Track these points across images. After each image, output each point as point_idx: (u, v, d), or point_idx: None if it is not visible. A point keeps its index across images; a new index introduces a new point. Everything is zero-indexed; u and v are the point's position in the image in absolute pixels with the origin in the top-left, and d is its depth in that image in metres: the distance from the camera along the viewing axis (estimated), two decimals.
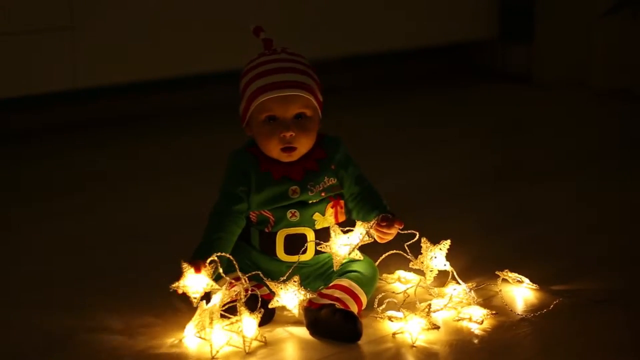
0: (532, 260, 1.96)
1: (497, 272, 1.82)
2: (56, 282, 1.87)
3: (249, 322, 1.59)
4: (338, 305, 1.65)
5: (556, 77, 3.65)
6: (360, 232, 1.70)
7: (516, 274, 1.82)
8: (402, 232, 1.72)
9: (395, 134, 3.07)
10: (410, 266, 1.78)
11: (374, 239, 1.72)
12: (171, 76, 3.13)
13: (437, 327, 1.64)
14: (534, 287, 1.81)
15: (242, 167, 1.75)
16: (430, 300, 1.73)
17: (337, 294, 1.68)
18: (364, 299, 1.71)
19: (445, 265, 1.75)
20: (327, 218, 1.76)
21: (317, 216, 1.76)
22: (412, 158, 2.78)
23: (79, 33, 2.85)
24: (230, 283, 1.64)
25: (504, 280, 1.82)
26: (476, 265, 1.90)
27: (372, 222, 1.70)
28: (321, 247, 1.72)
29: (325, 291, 1.69)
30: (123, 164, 2.72)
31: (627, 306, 1.77)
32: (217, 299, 1.61)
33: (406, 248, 1.75)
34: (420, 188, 2.48)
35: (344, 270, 1.74)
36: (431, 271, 1.75)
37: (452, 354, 1.59)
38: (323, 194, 1.76)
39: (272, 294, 1.67)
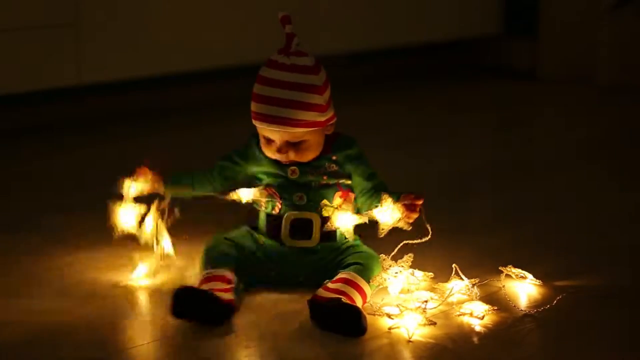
0: (536, 256, 1.95)
1: (500, 268, 1.82)
2: (56, 277, 1.88)
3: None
4: (344, 299, 1.65)
5: (560, 73, 3.65)
6: (388, 208, 1.71)
7: (520, 270, 1.82)
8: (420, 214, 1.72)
9: (398, 129, 3.07)
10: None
11: (397, 222, 1.72)
12: (174, 72, 3.13)
13: (433, 323, 1.63)
14: (538, 283, 1.81)
15: (243, 150, 1.82)
16: (428, 297, 1.73)
17: (342, 287, 1.68)
18: (367, 291, 1.72)
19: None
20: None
21: (324, 203, 1.77)
22: (416, 153, 2.78)
23: (83, 29, 2.85)
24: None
25: (507, 275, 1.81)
26: (479, 260, 1.90)
27: (400, 198, 1.71)
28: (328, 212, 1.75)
29: (330, 285, 1.69)
30: (123, 160, 2.72)
31: (630, 302, 1.77)
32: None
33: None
34: (424, 183, 2.48)
35: (347, 263, 1.75)
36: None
37: (453, 349, 1.59)
38: (325, 177, 1.77)
39: (233, 299, 1.68)
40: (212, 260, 1.75)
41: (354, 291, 1.69)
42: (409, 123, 3.17)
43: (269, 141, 1.76)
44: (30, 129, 2.94)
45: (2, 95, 2.84)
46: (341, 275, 1.72)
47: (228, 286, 1.69)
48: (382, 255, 1.75)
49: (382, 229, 1.70)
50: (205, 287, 1.67)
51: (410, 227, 1.71)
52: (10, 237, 2.09)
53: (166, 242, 1.83)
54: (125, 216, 1.84)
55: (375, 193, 1.76)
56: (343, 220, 1.74)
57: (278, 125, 1.72)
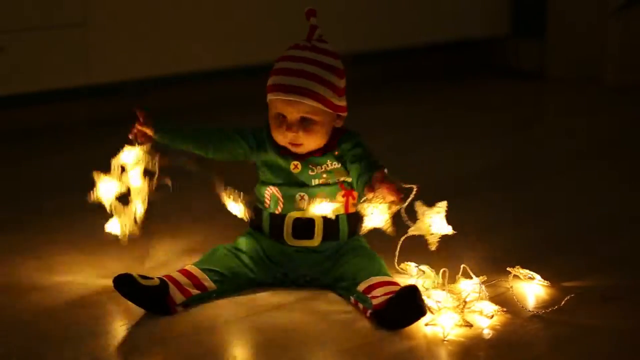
0: (543, 256, 1.95)
1: (508, 269, 1.82)
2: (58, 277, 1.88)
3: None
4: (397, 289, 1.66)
5: (568, 74, 3.65)
6: (372, 212, 1.66)
7: (528, 271, 1.82)
8: (405, 185, 1.66)
9: (406, 129, 3.07)
10: (409, 232, 1.69)
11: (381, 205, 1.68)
12: (182, 73, 3.14)
13: (470, 325, 1.63)
14: (546, 284, 1.81)
15: (257, 133, 1.81)
16: (466, 297, 1.71)
17: (385, 289, 1.68)
18: (393, 279, 1.74)
19: (448, 228, 1.67)
20: (337, 207, 1.78)
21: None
22: (424, 154, 2.78)
23: (91, 30, 2.86)
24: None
25: (515, 276, 1.81)
26: (488, 261, 1.89)
27: (369, 194, 1.65)
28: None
29: (375, 294, 1.69)
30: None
31: (637, 303, 1.77)
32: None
33: (403, 214, 1.68)
34: (433, 183, 2.47)
35: (358, 272, 1.75)
36: (432, 234, 1.67)
37: (462, 349, 1.59)
38: (325, 176, 1.78)
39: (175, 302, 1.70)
40: (201, 262, 1.78)
41: (392, 286, 1.69)
42: (415, 123, 3.17)
43: (281, 119, 1.76)
44: (34, 128, 2.95)
45: (10, 95, 2.86)
46: (368, 283, 1.71)
47: (190, 288, 1.72)
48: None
49: (388, 229, 1.66)
50: (166, 277, 1.72)
51: (403, 202, 1.64)
52: (12, 237, 2.11)
53: (139, 206, 1.85)
54: (106, 189, 1.85)
55: (359, 165, 1.73)
56: (320, 208, 1.74)
57: (295, 94, 1.72)
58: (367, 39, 3.45)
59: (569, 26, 3.64)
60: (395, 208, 1.65)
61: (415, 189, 1.66)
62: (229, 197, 1.80)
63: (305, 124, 1.74)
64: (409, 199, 1.66)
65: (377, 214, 1.65)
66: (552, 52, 3.68)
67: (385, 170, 1.66)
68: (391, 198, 1.63)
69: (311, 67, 1.74)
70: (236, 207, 1.80)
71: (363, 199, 1.66)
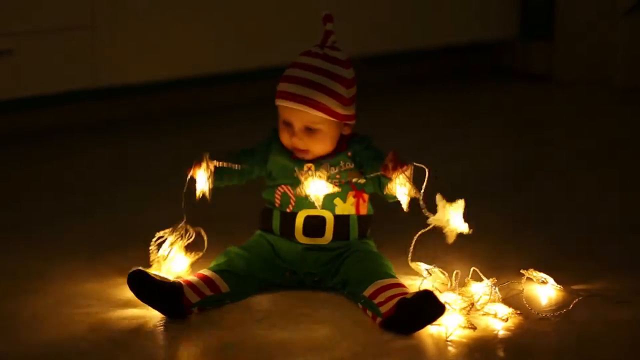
0: (555, 259, 1.95)
1: (521, 271, 1.81)
2: (61, 279, 1.87)
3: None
4: (407, 295, 1.65)
5: (577, 76, 3.64)
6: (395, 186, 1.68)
7: (542, 274, 1.81)
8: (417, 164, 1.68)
9: (416, 132, 3.07)
10: (428, 222, 1.68)
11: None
12: (188, 76, 3.14)
13: (473, 328, 1.63)
14: (559, 288, 1.80)
15: (273, 138, 1.83)
16: (474, 299, 1.71)
17: (389, 293, 1.68)
18: (398, 281, 1.73)
19: (465, 226, 1.67)
20: (347, 206, 1.80)
21: (337, 201, 1.79)
22: (433, 156, 2.77)
23: (99, 32, 2.86)
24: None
25: (529, 279, 1.81)
26: (499, 263, 1.89)
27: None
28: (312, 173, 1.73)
29: (380, 300, 1.68)
30: (135, 162, 2.74)
31: None
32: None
33: (422, 204, 1.69)
34: (443, 186, 2.47)
35: (364, 277, 1.74)
36: (450, 229, 1.66)
37: (473, 351, 1.58)
38: (338, 176, 1.78)
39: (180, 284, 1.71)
40: (214, 265, 1.79)
41: (397, 287, 1.69)
42: (426, 125, 3.17)
43: (287, 126, 1.78)
44: (34, 131, 2.96)
45: (19, 98, 2.86)
46: (372, 289, 1.71)
47: (204, 290, 1.72)
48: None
49: (414, 194, 1.67)
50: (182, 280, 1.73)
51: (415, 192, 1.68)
52: (23, 240, 2.10)
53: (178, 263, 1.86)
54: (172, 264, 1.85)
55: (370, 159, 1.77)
56: (316, 187, 1.73)
57: (299, 104, 1.75)
58: (377, 43, 3.45)
59: (578, 28, 3.64)
60: (414, 192, 1.67)
61: (427, 171, 1.67)
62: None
63: (309, 131, 1.77)
64: (424, 183, 1.68)
65: (400, 188, 1.67)
66: (560, 54, 3.68)
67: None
68: (406, 168, 1.67)
69: (318, 76, 1.76)
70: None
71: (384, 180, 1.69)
